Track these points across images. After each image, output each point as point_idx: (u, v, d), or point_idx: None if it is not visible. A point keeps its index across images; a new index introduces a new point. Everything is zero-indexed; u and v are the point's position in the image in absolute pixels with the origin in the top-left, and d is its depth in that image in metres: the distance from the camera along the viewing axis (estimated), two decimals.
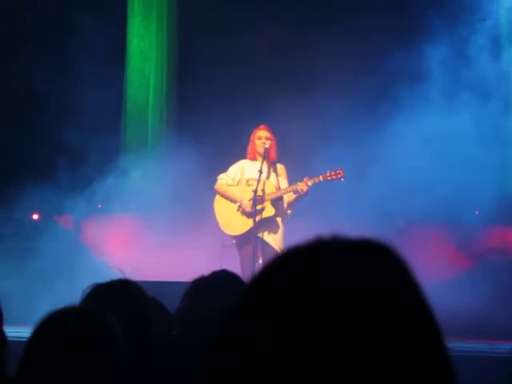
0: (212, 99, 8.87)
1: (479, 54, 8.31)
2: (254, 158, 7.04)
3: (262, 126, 7.05)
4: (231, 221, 7.00)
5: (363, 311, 0.87)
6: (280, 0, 9.21)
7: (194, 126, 8.62)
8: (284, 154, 7.19)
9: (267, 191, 6.87)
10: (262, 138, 6.98)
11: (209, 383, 0.91)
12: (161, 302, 2.88)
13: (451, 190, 7.80)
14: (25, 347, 1.86)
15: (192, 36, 9.30)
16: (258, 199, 6.81)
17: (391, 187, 7.76)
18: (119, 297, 2.42)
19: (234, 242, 6.98)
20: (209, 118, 8.79)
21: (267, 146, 6.92)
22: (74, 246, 8.53)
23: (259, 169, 6.81)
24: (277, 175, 7.04)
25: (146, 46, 9.41)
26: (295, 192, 6.85)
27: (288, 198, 6.96)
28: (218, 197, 7.15)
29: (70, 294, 2.55)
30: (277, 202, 6.94)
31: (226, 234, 7.01)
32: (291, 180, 6.98)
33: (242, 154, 7.19)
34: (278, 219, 6.97)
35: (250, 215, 6.88)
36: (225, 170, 7.19)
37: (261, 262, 6.78)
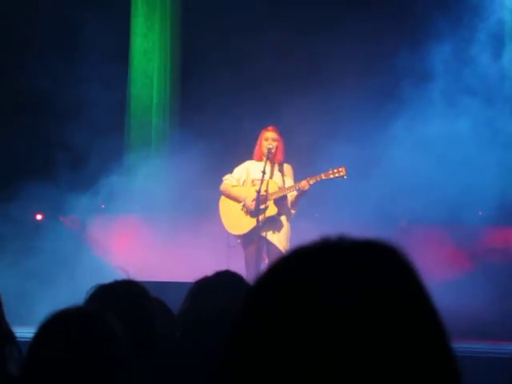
0: (216, 99, 8.87)
1: (482, 55, 8.30)
2: (260, 159, 7.07)
3: (269, 128, 7.09)
4: (235, 220, 7.04)
5: (370, 311, 0.88)
6: (284, 0, 9.21)
7: (198, 126, 8.62)
8: (289, 154, 7.21)
9: (270, 191, 6.90)
10: (268, 139, 7.02)
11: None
12: (164, 303, 2.89)
13: (453, 190, 7.80)
14: (28, 347, 1.87)
15: (196, 36, 9.30)
16: (261, 199, 6.83)
17: (392, 187, 7.76)
18: (123, 297, 2.43)
19: (239, 241, 7.02)
20: (212, 119, 8.80)
21: (270, 146, 6.95)
22: (78, 246, 8.53)
23: (262, 169, 6.85)
24: (283, 175, 7.08)
25: (149, 46, 9.42)
26: (297, 191, 6.88)
27: (291, 197, 6.98)
28: (223, 197, 7.20)
29: (74, 294, 2.56)
30: (281, 201, 6.96)
31: (231, 234, 7.05)
32: (297, 180, 7.00)
33: (246, 154, 7.22)
34: (283, 218, 6.99)
35: (253, 215, 6.91)
36: (229, 170, 7.23)
37: (267, 261, 6.80)
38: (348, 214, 7.76)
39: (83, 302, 2.37)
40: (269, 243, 6.90)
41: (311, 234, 0.97)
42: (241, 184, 7.15)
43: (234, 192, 7.12)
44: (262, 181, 6.83)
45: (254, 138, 7.16)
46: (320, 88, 8.38)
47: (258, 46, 8.91)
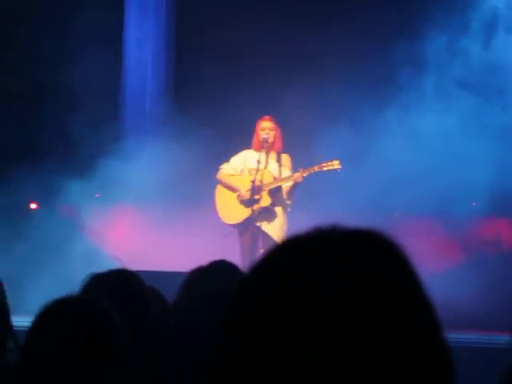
0: (212, 88, 8.85)
1: (476, 47, 8.30)
2: (257, 149, 7.08)
3: (266, 117, 7.11)
4: (230, 210, 7.06)
5: (362, 299, 0.89)
6: None
7: (194, 115, 8.60)
8: (287, 143, 7.21)
9: (265, 181, 6.91)
10: (265, 128, 7.04)
11: (212, 376, 0.92)
12: (158, 291, 2.90)
13: (446, 181, 7.82)
14: (26, 336, 1.88)
15: (192, 24, 9.27)
16: (256, 189, 6.84)
17: (386, 178, 7.77)
18: (117, 286, 2.44)
19: (232, 230, 7.03)
20: (208, 107, 8.77)
21: (266, 136, 6.96)
22: (72, 235, 8.52)
23: (258, 159, 6.86)
24: (280, 165, 7.08)
25: (143, 35, 9.40)
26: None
27: (286, 188, 6.99)
28: (219, 186, 7.24)
29: (68, 283, 2.57)
30: (276, 192, 6.97)
31: (226, 223, 7.06)
32: (295, 170, 7.01)
33: (243, 143, 7.25)
34: (278, 209, 7.00)
35: (247, 204, 6.92)
36: (226, 159, 7.26)
37: (262, 252, 6.81)
38: (341, 205, 7.76)
39: (78, 291, 2.37)
40: (264, 234, 6.91)
41: (304, 224, 0.98)
42: (238, 173, 7.17)
43: (230, 181, 7.15)
44: (258, 170, 6.85)
45: (252, 127, 7.18)
46: (319, 77, 8.34)
47: (255, 36, 8.87)
